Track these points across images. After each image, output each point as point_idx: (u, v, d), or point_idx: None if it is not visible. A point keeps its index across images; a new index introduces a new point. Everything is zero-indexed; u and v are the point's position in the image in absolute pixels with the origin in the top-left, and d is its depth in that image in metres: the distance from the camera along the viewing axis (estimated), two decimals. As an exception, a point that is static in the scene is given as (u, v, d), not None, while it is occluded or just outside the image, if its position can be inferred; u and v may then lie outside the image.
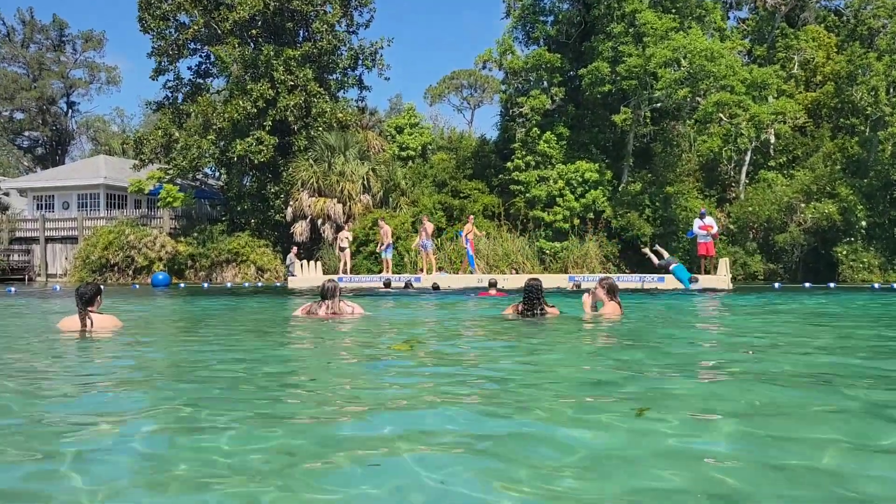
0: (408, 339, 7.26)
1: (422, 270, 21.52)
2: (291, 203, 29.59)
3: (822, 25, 32.64)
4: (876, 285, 21.44)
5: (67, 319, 7.07)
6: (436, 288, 17.93)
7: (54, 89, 58.89)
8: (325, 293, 8.49)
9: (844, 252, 25.05)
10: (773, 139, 29.37)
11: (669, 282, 20.15)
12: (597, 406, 3.60)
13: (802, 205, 26.25)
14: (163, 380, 4.69)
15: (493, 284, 14.68)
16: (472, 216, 22.53)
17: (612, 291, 8.64)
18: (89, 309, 6.90)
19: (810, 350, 6.05)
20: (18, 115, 58.76)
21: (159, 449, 2.88)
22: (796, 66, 31.20)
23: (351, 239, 23.92)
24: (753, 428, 3.10)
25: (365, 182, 29.67)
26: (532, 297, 8.16)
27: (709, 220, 20.89)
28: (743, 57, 31.23)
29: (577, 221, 27.66)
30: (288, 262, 25.57)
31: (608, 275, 9.54)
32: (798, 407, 3.60)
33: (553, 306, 8.41)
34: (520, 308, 8.34)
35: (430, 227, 21.73)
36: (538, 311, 8.15)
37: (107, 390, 4.23)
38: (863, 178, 26.05)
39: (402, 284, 18.67)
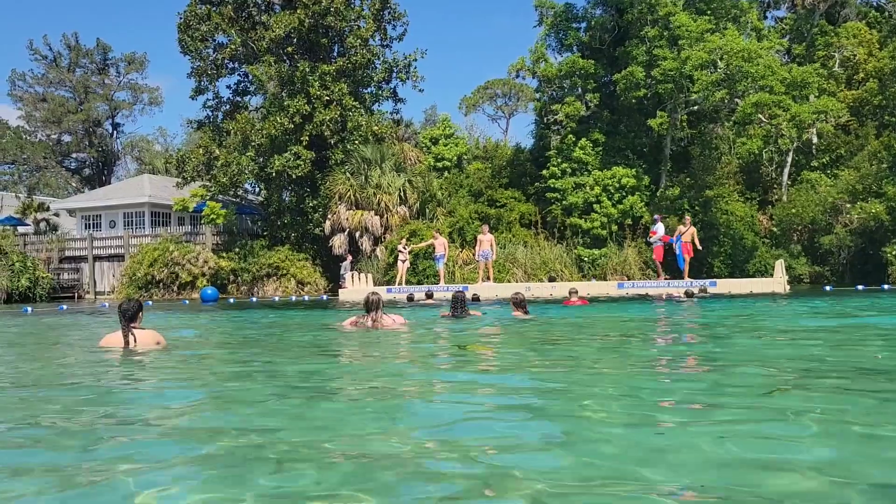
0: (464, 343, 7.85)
1: (488, 279, 21.68)
2: (329, 216, 29.89)
3: (864, 22, 31.89)
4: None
5: (110, 336, 7.16)
6: (410, 299, 18.07)
7: (100, 112, 60.63)
8: (368, 306, 8.85)
9: (894, 253, 24.33)
10: (815, 139, 28.75)
11: (722, 286, 19.85)
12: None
13: (848, 205, 25.60)
14: (216, 394, 4.78)
15: (574, 292, 14.82)
16: (688, 217, 21.57)
17: (517, 304, 10.59)
18: (132, 325, 6.99)
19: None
20: (66, 138, 60.64)
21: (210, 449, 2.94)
22: (837, 64, 30.52)
23: (407, 252, 23.99)
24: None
25: (401, 194, 29.84)
26: (457, 305, 10.59)
27: (657, 226, 20.90)
28: (782, 56, 30.69)
29: (615, 228, 27.43)
30: (342, 269, 27.03)
31: (518, 291, 11.68)
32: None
33: (474, 311, 11.09)
34: (449, 312, 10.74)
35: (491, 238, 21.91)
36: (462, 313, 10.53)
37: (159, 405, 4.34)
38: (911, 176, 25.32)
39: (425, 295, 18.38)
